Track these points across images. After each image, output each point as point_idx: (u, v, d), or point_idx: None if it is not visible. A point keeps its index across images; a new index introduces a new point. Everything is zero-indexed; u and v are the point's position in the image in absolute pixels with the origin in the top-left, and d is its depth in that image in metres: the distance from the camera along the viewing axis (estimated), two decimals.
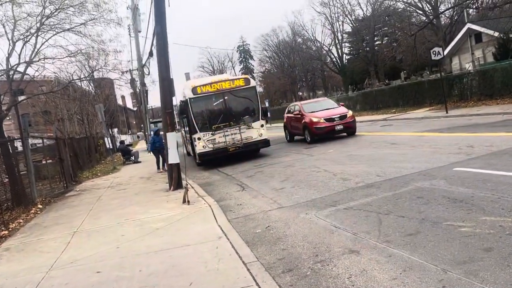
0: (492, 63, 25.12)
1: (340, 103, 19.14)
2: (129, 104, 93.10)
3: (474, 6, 25.84)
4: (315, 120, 16.64)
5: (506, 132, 11.03)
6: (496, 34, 25.68)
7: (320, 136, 16.58)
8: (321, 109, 17.56)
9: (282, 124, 44.90)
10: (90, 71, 23.47)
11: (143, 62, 25.78)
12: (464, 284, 3.48)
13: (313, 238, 5.39)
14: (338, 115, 16.63)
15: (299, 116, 17.73)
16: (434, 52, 21.26)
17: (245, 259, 4.91)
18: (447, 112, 19.94)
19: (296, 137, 19.47)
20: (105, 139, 25.21)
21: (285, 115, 20.48)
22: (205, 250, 5.45)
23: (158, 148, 16.19)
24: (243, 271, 4.55)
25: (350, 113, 17.15)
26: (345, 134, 17.07)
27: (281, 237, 5.72)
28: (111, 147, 25.98)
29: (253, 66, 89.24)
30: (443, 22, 45.79)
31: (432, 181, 7.08)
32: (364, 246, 4.75)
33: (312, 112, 17.30)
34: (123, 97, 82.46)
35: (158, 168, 16.56)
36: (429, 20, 40.39)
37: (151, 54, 19.79)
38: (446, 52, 33.31)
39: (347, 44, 68.46)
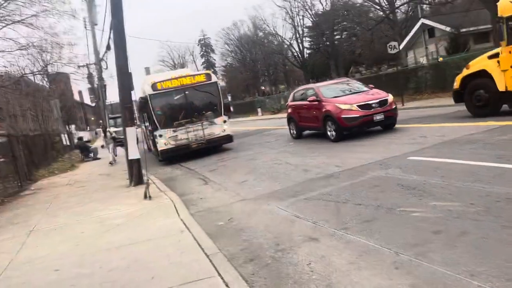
0: (445, 57, 26.25)
1: (369, 85, 14.17)
2: (87, 99, 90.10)
3: (427, 1, 26.85)
4: (344, 107, 12.03)
5: (457, 123, 11.60)
6: (448, 29, 26.84)
7: (351, 129, 12.27)
8: (347, 93, 13.12)
9: (246, 119, 44.57)
10: (43, 65, 22.55)
11: (101, 56, 25.03)
12: (414, 264, 3.70)
13: (274, 228, 5.50)
14: (377, 101, 12.14)
15: (316, 103, 13.17)
16: (391, 46, 21.99)
17: (208, 251, 4.95)
18: (403, 105, 20.70)
19: (306, 132, 15.26)
20: (62, 136, 24.31)
21: (289, 103, 15.98)
22: (168, 244, 5.44)
23: None
24: (206, 262, 4.59)
25: (391, 97, 12.62)
26: (379, 127, 12.75)
27: (243, 228, 5.79)
28: (68, 144, 25.06)
29: (215, 60, 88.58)
30: (399, 17, 47.34)
31: (388, 170, 7.38)
32: (323, 234, 4.90)
33: (335, 97, 12.82)
34: (80, 93, 79.60)
35: None
36: (385, 15, 41.62)
37: (108, 47, 19.22)
38: (402, 46, 34.46)
39: (307, 39, 69.39)
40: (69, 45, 19.94)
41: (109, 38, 18.64)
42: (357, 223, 5.03)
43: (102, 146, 22.35)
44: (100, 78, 27.11)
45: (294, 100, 15.55)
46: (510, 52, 10.46)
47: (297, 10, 63.39)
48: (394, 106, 12.61)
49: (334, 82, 15.05)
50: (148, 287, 4.15)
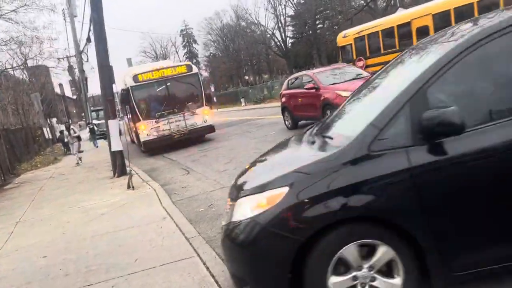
0: None
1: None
2: (68, 92, 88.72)
3: None
4: (345, 94, 10.61)
5: None
6: None
7: None
8: (347, 79, 12.24)
9: (229, 109, 44.60)
10: (23, 59, 22.37)
11: (81, 49, 24.88)
12: None
13: None
14: None
15: (313, 91, 12.41)
16: None
17: (188, 235, 5.28)
18: None
19: (301, 122, 13.92)
20: (44, 129, 24.19)
21: (283, 92, 15.03)
22: (150, 230, 5.75)
23: None
24: (186, 245, 4.92)
25: None
26: None
27: (222, 213, 6.12)
28: (50, 137, 24.95)
29: (197, 50, 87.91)
30: (380, 6, 47.84)
31: None
32: None
33: (334, 84, 12.06)
34: (60, 85, 78.42)
35: None
36: (366, 3, 42.07)
37: (88, 40, 19.20)
38: None
39: (290, 28, 69.51)
40: (49, 40, 19.87)
41: (89, 30, 18.62)
42: None
43: (67, 143, 20.94)
44: (81, 71, 26.95)
45: (288, 88, 14.72)
46: None
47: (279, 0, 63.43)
48: None
49: (331, 68, 14.08)
50: (132, 268, 4.47)
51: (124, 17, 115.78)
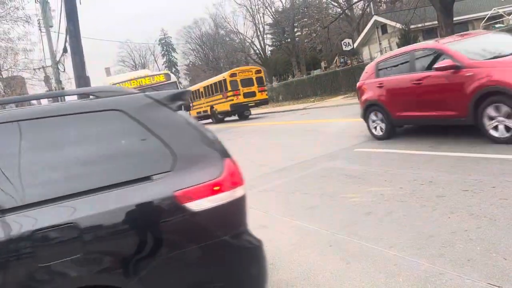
0: None
1: None
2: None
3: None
4: None
5: None
6: (399, 25, 28.10)
7: None
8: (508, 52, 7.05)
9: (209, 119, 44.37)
10: None
11: (58, 59, 24.60)
12: (346, 242, 4.26)
13: None
14: None
15: (449, 73, 7.21)
16: (345, 43, 22.93)
17: None
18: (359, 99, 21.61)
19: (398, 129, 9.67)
20: None
21: (367, 82, 9.67)
22: None
23: None
24: None
25: None
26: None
27: None
28: None
29: (177, 59, 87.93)
30: (356, 14, 48.84)
31: (335, 161, 8.00)
32: (272, 221, 5.41)
33: (494, 58, 7.00)
34: None
35: None
36: (342, 11, 42.92)
37: (65, 50, 19.03)
38: (358, 42, 35.73)
39: (269, 36, 70.29)
40: (24, 51, 19.64)
41: (66, 40, 18.48)
42: (302, 210, 5.57)
43: None
44: (58, 81, 26.63)
45: (379, 75, 9.30)
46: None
47: (257, 8, 64.07)
48: None
49: (469, 36, 8.50)
50: None
51: (102, 26, 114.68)
